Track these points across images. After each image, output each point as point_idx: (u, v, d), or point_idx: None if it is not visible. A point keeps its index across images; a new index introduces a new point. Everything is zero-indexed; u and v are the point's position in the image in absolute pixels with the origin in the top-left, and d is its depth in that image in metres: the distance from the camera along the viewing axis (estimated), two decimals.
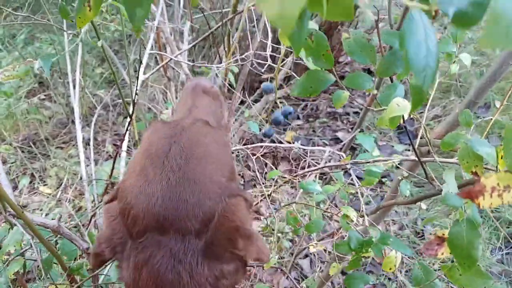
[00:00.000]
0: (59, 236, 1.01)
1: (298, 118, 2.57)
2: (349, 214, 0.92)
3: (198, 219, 0.63)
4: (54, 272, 0.88)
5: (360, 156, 0.90)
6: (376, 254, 0.82)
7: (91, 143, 1.71)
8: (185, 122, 0.76)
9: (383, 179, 2.08)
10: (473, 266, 0.60)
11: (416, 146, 0.83)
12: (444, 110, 2.46)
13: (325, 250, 1.81)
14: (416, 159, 0.76)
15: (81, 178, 1.93)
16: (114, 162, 1.41)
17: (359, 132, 2.31)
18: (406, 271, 1.78)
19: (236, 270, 0.68)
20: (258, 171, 2.40)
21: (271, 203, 2.26)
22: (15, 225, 0.73)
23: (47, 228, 0.73)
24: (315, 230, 0.92)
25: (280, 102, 1.10)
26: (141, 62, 1.65)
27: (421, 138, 0.92)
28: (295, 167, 1.16)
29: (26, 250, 0.99)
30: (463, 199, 0.62)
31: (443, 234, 0.76)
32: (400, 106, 0.60)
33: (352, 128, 2.45)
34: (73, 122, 2.41)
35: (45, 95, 2.52)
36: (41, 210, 1.95)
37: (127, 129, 1.52)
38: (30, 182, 2.13)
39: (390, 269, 0.88)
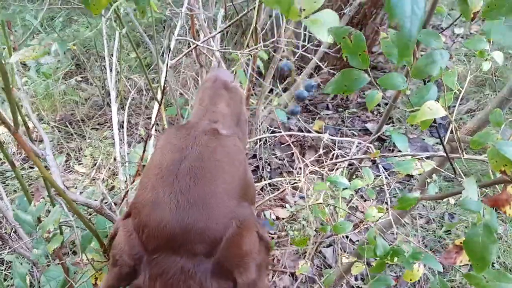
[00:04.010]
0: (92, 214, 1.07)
1: (328, 108, 2.56)
2: (373, 215, 0.93)
3: (207, 242, 0.65)
4: (89, 248, 0.94)
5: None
6: (407, 268, 0.82)
7: (125, 125, 1.77)
8: (198, 130, 0.76)
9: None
10: (486, 268, 0.61)
11: (445, 141, 0.83)
12: (478, 104, 2.40)
13: (346, 237, 1.83)
14: (445, 155, 0.76)
15: (115, 159, 2.01)
16: (145, 146, 1.47)
17: (388, 124, 2.28)
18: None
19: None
20: (284, 159, 2.43)
21: (295, 191, 2.29)
22: (59, 203, 0.78)
23: (90, 208, 0.78)
24: (343, 231, 0.93)
25: (300, 78, 1.11)
26: (169, 48, 1.69)
27: (451, 133, 0.92)
28: (322, 156, 1.17)
29: (61, 225, 1.06)
30: (482, 205, 0.63)
31: (461, 243, 0.76)
32: (432, 109, 0.60)
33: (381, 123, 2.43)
34: (108, 104, 2.49)
35: (81, 77, 2.60)
36: (75, 188, 2.04)
37: (156, 115, 1.57)
38: (66, 161, 2.22)
39: (411, 280, 0.89)
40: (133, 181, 1.57)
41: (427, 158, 0.88)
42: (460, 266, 0.92)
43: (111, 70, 1.77)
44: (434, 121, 0.69)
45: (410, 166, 0.83)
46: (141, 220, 0.67)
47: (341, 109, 2.53)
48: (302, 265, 0.90)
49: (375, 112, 2.50)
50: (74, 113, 2.40)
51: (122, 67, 2.50)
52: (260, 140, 2.37)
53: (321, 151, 1.05)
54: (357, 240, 1.88)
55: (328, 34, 0.65)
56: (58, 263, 1.16)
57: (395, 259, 0.76)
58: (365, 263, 0.89)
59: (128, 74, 2.57)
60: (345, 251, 1.87)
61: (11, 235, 1.67)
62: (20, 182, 1.05)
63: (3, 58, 0.72)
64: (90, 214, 1.74)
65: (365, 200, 2.00)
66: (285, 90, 2.43)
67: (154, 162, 0.72)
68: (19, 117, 0.81)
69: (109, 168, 2.14)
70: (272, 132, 2.49)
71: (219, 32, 1.89)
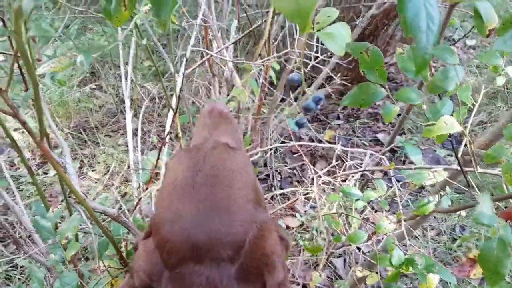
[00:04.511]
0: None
1: (338, 118, 2.57)
2: (384, 227, 0.93)
3: (230, 247, 0.66)
4: (104, 255, 0.96)
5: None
6: (420, 281, 0.83)
7: (139, 133, 1.80)
8: (207, 147, 0.79)
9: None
10: (500, 281, 0.62)
11: (459, 155, 0.84)
12: (490, 117, 2.39)
13: (358, 249, 1.82)
14: (459, 168, 0.77)
15: (128, 167, 2.03)
16: (159, 153, 1.49)
17: (400, 135, 2.28)
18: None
19: None
20: (295, 168, 2.44)
21: (307, 201, 2.29)
22: (77, 211, 0.80)
23: (108, 216, 0.80)
24: (358, 241, 0.93)
25: (308, 90, 1.11)
26: (186, 58, 1.71)
27: (464, 146, 0.92)
28: (333, 167, 1.18)
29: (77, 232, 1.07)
30: (497, 219, 0.63)
31: (475, 256, 0.77)
32: (448, 124, 0.62)
33: (393, 130, 2.43)
34: (121, 112, 2.53)
35: (96, 85, 2.65)
36: (89, 194, 2.07)
37: (172, 122, 1.59)
38: (80, 167, 2.26)
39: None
40: (146, 188, 1.60)
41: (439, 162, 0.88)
42: (471, 279, 0.91)
43: (126, 78, 1.80)
44: (449, 135, 0.70)
45: (423, 177, 0.84)
46: (163, 236, 0.68)
47: (352, 119, 2.54)
48: (316, 276, 0.91)
49: (386, 123, 2.50)
50: (88, 120, 2.44)
51: (136, 75, 2.54)
52: (271, 149, 2.38)
53: (334, 162, 1.06)
54: (368, 251, 1.88)
55: (344, 48, 0.66)
56: (72, 269, 1.18)
57: (410, 268, 0.77)
58: (379, 274, 0.90)
59: (142, 82, 2.61)
60: (356, 262, 1.86)
61: (26, 240, 1.70)
62: (37, 188, 1.08)
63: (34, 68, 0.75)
64: (104, 221, 1.77)
65: (376, 211, 2.00)
66: (296, 99, 2.45)
67: (168, 182, 0.74)
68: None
69: (122, 175, 2.16)
70: (283, 142, 2.51)
71: (233, 43, 1.92)
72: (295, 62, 1.85)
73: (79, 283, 1.03)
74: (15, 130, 2.32)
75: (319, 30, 0.73)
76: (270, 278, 0.67)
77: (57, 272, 1.06)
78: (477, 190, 0.82)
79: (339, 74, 1.58)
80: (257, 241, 0.67)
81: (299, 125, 0.86)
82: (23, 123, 0.58)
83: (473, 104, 0.80)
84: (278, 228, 0.72)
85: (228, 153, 0.77)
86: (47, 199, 1.49)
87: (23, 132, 2.31)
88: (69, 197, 0.86)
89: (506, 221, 0.65)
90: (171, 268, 0.67)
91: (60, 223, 1.13)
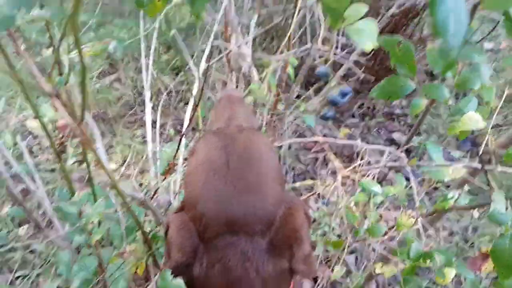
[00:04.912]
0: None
1: (354, 116, 2.57)
2: (405, 224, 0.95)
3: (263, 222, 0.73)
4: (130, 238, 0.99)
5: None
6: (438, 276, 0.85)
7: (158, 125, 1.83)
8: (233, 130, 0.85)
9: (437, 184, 2.06)
10: (511, 276, 0.63)
11: (480, 154, 0.85)
12: (505, 120, 2.38)
13: (373, 250, 1.83)
14: (479, 166, 0.78)
15: (146, 157, 2.06)
16: (179, 144, 1.52)
17: (417, 135, 2.28)
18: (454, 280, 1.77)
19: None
20: (309, 165, 2.45)
21: (320, 198, 2.31)
22: (105, 196, 0.83)
23: (135, 199, 0.83)
24: (377, 234, 0.95)
25: (339, 83, 1.14)
26: (209, 51, 1.74)
27: (486, 145, 0.93)
28: (355, 162, 1.20)
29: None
30: (511, 216, 0.65)
31: (487, 251, 0.78)
32: (472, 120, 0.64)
33: (408, 131, 2.43)
34: (139, 104, 2.56)
35: (114, 77, 2.69)
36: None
37: (193, 115, 1.61)
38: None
39: (443, 281, 0.91)
40: (164, 178, 1.63)
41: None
42: (487, 274, 0.92)
43: (146, 70, 1.83)
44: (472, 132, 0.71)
45: (442, 173, 0.85)
46: (198, 211, 0.73)
47: (367, 118, 2.54)
48: (337, 270, 0.93)
49: (402, 122, 2.50)
50: (106, 112, 2.48)
51: (154, 69, 2.57)
52: (285, 145, 2.40)
53: (357, 159, 1.08)
54: (384, 248, 1.89)
55: (372, 44, 0.68)
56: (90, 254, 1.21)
57: (428, 262, 0.78)
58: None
59: (159, 76, 2.64)
60: (368, 260, 1.87)
61: (47, 224, 1.74)
62: (64, 173, 1.11)
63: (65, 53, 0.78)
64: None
65: (389, 210, 2.01)
66: (318, 92, 2.46)
67: (199, 162, 0.80)
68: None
69: (138, 165, 2.20)
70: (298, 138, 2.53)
71: (253, 38, 1.93)
72: (316, 59, 1.87)
73: (99, 267, 1.06)
74: (34, 117, 2.37)
75: (347, 25, 0.74)
76: (298, 251, 0.73)
77: (78, 256, 1.09)
78: (496, 189, 0.83)
79: (358, 72, 1.59)
80: (287, 218, 0.73)
81: (325, 117, 0.87)
82: (64, 105, 0.60)
83: (496, 106, 0.81)
84: (304, 206, 0.78)
85: (254, 136, 0.83)
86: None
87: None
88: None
89: None
90: (207, 241, 0.72)
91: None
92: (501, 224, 0.68)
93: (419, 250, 0.81)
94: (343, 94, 0.94)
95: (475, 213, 1.74)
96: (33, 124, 2.21)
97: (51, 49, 0.83)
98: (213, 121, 0.99)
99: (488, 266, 0.80)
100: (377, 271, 0.94)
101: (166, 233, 0.78)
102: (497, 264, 0.67)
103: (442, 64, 0.46)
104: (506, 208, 0.69)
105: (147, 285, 1.00)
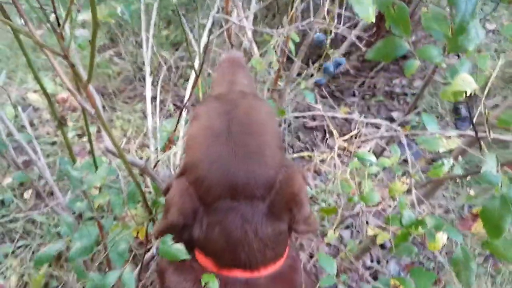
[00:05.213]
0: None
1: (354, 95, 2.58)
2: (397, 189, 0.97)
3: (263, 186, 0.75)
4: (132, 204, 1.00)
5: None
6: (428, 239, 0.87)
7: (158, 99, 1.84)
8: (236, 96, 0.86)
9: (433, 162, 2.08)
10: (500, 235, 0.66)
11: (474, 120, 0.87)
12: (505, 100, 2.39)
13: (367, 223, 1.87)
14: (473, 134, 0.80)
15: (145, 134, 2.08)
16: (179, 118, 1.54)
17: (416, 115, 2.29)
18: (446, 253, 1.80)
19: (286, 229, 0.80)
20: (307, 143, 2.47)
21: (317, 175, 2.33)
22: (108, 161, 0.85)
23: (136, 166, 0.85)
24: (370, 201, 0.97)
25: (332, 53, 1.14)
26: (211, 24, 1.73)
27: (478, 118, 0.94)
28: (353, 138, 1.22)
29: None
30: (501, 177, 0.67)
31: (477, 212, 0.81)
32: (465, 81, 0.65)
33: (408, 110, 2.44)
34: (139, 79, 2.56)
35: (114, 51, 2.68)
36: (107, 156, 2.13)
37: (192, 88, 1.62)
38: (98, 131, 2.31)
39: (434, 247, 0.93)
40: (165, 151, 1.64)
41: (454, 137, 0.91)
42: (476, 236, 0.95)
43: (147, 46, 1.83)
44: (466, 103, 0.73)
45: (436, 143, 0.86)
46: (199, 174, 0.75)
47: (367, 97, 2.55)
48: (331, 234, 0.95)
49: (401, 102, 2.51)
50: (106, 86, 2.48)
51: (154, 44, 2.56)
52: (284, 122, 2.41)
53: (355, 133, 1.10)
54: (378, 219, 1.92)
55: (372, 15, 0.69)
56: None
57: (419, 229, 0.81)
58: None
59: (159, 51, 2.63)
60: (363, 235, 1.91)
61: (47, 195, 1.76)
62: (66, 141, 1.12)
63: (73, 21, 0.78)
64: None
65: (386, 187, 2.03)
66: (316, 62, 2.46)
67: (201, 126, 0.81)
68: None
69: (137, 140, 2.22)
70: (297, 117, 2.53)
71: (254, 13, 1.92)
72: (318, 31, 1.86)
73: (99, 235, 1.08)
74: (34, 91, 2.37)
75: None
76: (298, 213, 0.76)
77: (79, 224, 1.11)
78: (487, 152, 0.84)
79: (358, 47, 1.59)
80: (287, 181, 0.75)
81: (318, 85, 0.89)
82: (72, 66, 0.61)
83: (491, 73, 0.82)
84: (302, 170, 0.79)
85: (256, 102, 0.85)
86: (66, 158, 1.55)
87: (42, 94, 2.36)
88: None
89: None
90: (208, 204, 0.74)
91: None
92: (492, 184, 0.69)
93: (412, 217, 0.83)
94: (337, 64, 0.95)
95: (472, 191, 1.76)
96: (33, 97, 2.21)
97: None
98: (215, 84, 0.99)
99: (478, 226, 0.83)
100: (369, 233, 0.97)
101: (165, 194, 0.80)
102: (486, 225, 0.70)
103: (455, 30, 0.49)
104: (497, 171, 0.70)
105: (148, 249, 1.02)
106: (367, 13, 0.69)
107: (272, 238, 0.77)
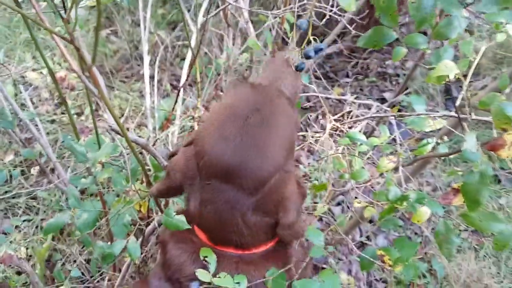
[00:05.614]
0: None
1: (347, 76, 2.62)
2: (384, 166, 1.03)
3: (256, 180, 0.77)
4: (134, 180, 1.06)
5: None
6: (411, 211, 0.93)
7: (156, 78, 1.87)
8: (273, 92, 0.86)
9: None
10: (477, 208, 0.73)
11: (457, 104, 0.92)
12: (494, 81, 2.45)
13: (356, 198, 1.94)
14: (455, 115, 0.86)
15: (143, 111, 2.12)
16: (177, 97, 1.58)
17: (406, 95, 2.34)
18: (432, 228, 1.89)
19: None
20: (301, 123, 2.52)
21: (310, 154, 2.40)
22: (113, 140, 0.90)
23: (138, 144, 0.89)
24: (360, 178, 1.03)
25: (314, 39, 1.18)
26: (208, 10, 1.75)
27: (463, 100, 1.00)
28: (342, 116, 1.27)
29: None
30: (480, 155, 0.73)
31: (458, 187, 0.87)
32: (448, 67, 0.70)
33: (399, 91, 2.49)
34: (135, 58, 2.59)
35: (111, 30, 2.69)
36: (105, 135, 2.17)
37: (190, 68, 1.66)
38: (96, 110, 2.35)
39: (418, 221, 1.00)
40: (163, 130, 1.69)
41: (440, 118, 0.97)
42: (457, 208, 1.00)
43: (144, 25, 1.85)
44: (449, 86, 0.78)
45: (423, 123, 0.92)
46: (203, 148, 0.78)
47: (360, 78, 2.60)
48: (320, 207, 1.01)
49: (394, 82, 2.56)
50: (103, 65, 2.50)
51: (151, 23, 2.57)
52: None
53: (347, 114, 1.15)
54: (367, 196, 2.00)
55: (352, 4, 0.74)
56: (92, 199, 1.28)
57: (404, 203, 0.87)
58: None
59: (155, 30, 2.64)
60: (353, 211, 1.99)
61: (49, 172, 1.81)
62: (70, 118, 1.17)
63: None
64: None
65: (374, 164, 2.10)
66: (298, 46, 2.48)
67: (226, 105, 0.83)
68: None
69: (135, 119, 2.26)
70: None
71: None
72: (311, 14, 1.89)
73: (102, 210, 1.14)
74: (33, 70, 2.39)
75: None
76: (283, 217, 0.78)
77: (84, 200, 1.16)
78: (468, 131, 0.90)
79: (352, 30, 1.63)
80: (280, 184, 0.78)
81: (298, 68, 0.93)
82: (77, 49, 0.66)
83: (474, 58, 0.87)
84: (299, 179, 0.83)
85: (286, 107, 0.85)
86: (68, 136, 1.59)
87: (41, 72, 2.38)
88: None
89: (493, 152, 0.74)
90: (203, 178, 0.78)
91: None
92: (472, 161, 0.75)
93: (397, 192, 0.90)
94: (317, 50, 0.99)
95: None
96: (32, 76, 2.24)
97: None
98: (261, 73, 1.00)
99: (458, 199, 0.88)
100: (355, 205, 1.03)
101: (171, 156, 0.84)
102: (466, 198, 0.76)
103: (416, 21, 0.53)
104: (477, 149, 0.76)
105: (150, 220, 1.09)
106: (348, 2, 0.75)
107: (259, 226, 0.80)
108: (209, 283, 0.77)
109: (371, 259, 0.91)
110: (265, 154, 0.77)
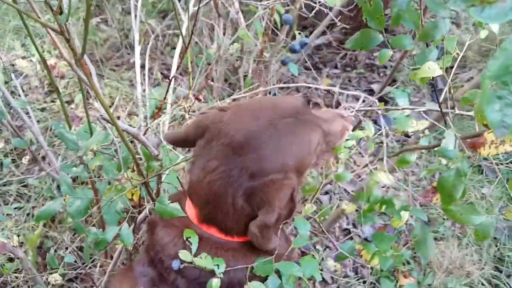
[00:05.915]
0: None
1: (336, 67, 2.65)
2: (368, 133, 1.06)
3: (259, 166, 0.81)
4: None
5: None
6: (395, 218, 0.98)
7: (146, 67, 1.88)
8: (316, 121, 0.90)
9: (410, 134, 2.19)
10: (452, 203, 0.76)
11: (441, 99, 0.96)
12: (479, 74, 2.50)
13: (339, 187, 1.99)
14: (438, 109, 0.89)
15: (133, 103, 2.13)
16: (168, 87, 1.59)
17: (394, 87, 2.39)
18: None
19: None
20: None
21: None
22: (105, 128, 0.92)
23: (128, 133, 0.92)
24: (344, 180, 1.06)
25: (299, 34, 1.21)
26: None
27: (448, 93, 1.04)
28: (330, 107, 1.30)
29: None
30: (457, 152, 0.77)
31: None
32: (431, 68, 0.74)
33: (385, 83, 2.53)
34: (126, 47, 2.58)
35: (101, 19, 2.68)
36: (96, 124, 2.18)
37: (181, 59, 1.67)
38: (86, 99, 2.35)
39: (398, 224, 1.04)
40: (154, 119, 1.71)
41: (424, 112, 1.01)
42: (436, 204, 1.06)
43: (135, 14, 1.85)
44: (434, 83, 0.82)
45: (407, 123, 0.96)
46: (235, 116, 0.85)
47: (349, 69, 2.63)
48: (308, 207, 1.05)
49: (381, 74, 2.60)
50: (93, 53, 2.50)
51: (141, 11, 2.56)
52: (270, 93, 2.48)
53: (335, 100, 1.18)
54: (352, 191, 2.05)
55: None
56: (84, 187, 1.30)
57: (384, 207, 0.91)
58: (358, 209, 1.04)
59: (146, 19, 2.64)
60: (340, 199, 2.04)
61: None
62: (62, 106, 1.18)
63: None
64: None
65: (362, 156, 2.15)
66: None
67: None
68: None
69: (126, 108, 2.27)
70: (281, 88, 2.60)
71: None
72: (298, 7, 1.91)
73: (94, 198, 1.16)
74: (23, 58, 2.38)
75: None
76: (262, 214, 0.81)
77: (76, 187, 1.18)
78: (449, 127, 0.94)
79: (340, 23, 1.65)
80: (274, 184, 0.81)
81: (283, 63, 0.97)
82: (67, 40, 0.67)
83: (457, 54, 0.91)
84: (296, 192, 0.85)
85: (317, 139, 0.89)
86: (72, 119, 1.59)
87: (30, 60, 2.37)
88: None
89: (474, 150, 0.78)
90: (220, 141, 0.84)
91: None
92: (449, 158, 0.79)
93: (378, 196, 0.94)
94: (302, 44, 1.02)
95: (444, 160, 1.88)
96: (22, 64, 2.23)
97: None
98: (322, 112, 1.01)
99: (439, 197, 0.93)
100: (343, 207, 1.07)
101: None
102: (441, 194, 0.80)
103: (391, 17, 0.57)
104: (455, 147, 0.80)
105: (142, 209, 1.11)
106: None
107: (243, 215, 0.83)
108: (190, 263, 0.81)
109: (347, 254, 0.95)
110: (280, 150, 0.82)
